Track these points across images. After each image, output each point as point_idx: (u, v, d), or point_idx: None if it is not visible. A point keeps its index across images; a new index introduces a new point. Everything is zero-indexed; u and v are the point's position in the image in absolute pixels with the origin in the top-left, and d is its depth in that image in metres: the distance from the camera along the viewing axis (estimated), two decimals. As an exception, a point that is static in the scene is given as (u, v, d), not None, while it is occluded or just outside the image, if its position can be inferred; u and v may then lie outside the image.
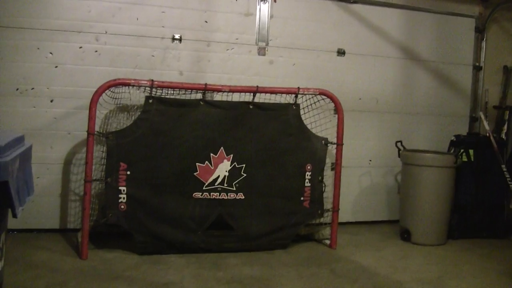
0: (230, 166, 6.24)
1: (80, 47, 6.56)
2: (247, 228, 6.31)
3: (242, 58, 7.18)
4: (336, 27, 7.63)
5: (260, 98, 6.44)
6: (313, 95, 6.62)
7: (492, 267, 6.25)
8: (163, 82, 6.06)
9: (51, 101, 6.50)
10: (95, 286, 5.01)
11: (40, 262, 5.59)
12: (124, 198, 5.88)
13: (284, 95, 6.54)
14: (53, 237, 6.43)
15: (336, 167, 6.69)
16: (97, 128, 6.00)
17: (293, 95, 6.49)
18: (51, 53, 6.46)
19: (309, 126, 6.68)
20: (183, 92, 6.22)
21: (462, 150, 7.39)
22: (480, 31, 8.50)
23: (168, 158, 6.04)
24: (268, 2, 7.20)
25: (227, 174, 6.23)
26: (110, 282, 5.13)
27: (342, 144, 6.64)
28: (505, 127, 8.21)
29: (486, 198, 7.53)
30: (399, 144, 7.45)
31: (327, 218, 6.77)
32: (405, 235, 7.15)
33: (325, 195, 6.69)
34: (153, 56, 6.81)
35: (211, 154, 6.16)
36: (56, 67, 6.50)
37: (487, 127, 7.62)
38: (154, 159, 5.99)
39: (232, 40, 7.11)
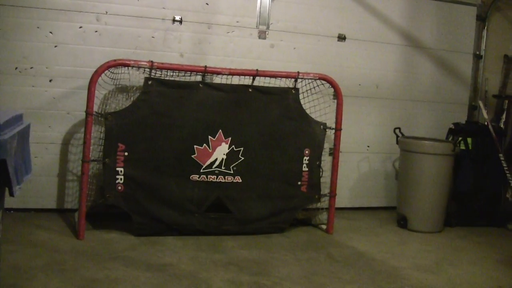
0: (228, 149, 6.24)
1: (81, 27, 6.53)
2: (245, 211, 6.32)
3: (243, 41, 7.15)
4: (338, 12, 7.60)
5: (260, 81, 6.42)
6: (313, 80, 6.60)
7: (489, 255, 6.28)
8: (163, 63, 6.04)
9: (50, 80, 6.48)
10: (93, 266, 5.01)
11: (38, 241, 5.60)
12: (121, 179, 5.88)
13: (284, 79, 6.53)
14: (50, 216, 6.44)
15: (335, 152, 6.69)
16: (96, 109, 5.99)
17: (293, 79, 6.47)
18: (51, 32, 6.43)
19: (308, 111, 6.67)
20: (183, 74, 6.21)
21: (460, 138, 7.40)
22: (482, 19, 8.47)
23: (166, 140, 6.03)
24: (270, -14, 7.20)
25: (225, 157, 6.23)
26: (108, 262, 5.13)
27: (340, 129, 6.64)
28: (504, 116, 8.21)
29: (484, 187, 7.55)
30: (397, 131, 7.45)
31: (324, 203, 6.78)
32: (402, 222, 7.17)
33: (322, 180, 6.70)
34: (153, 37, 6.78)
35: (210, 137, 6.16)
36: (56, 46, 6.47)
37: (486, 115, 7.62)
38: (152, 140, 5.99)
39: (233, 23, 7.09)
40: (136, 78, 6.24)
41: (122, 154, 5.87)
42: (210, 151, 6.18)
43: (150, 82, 5.96)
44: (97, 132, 6.19)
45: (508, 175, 7.32)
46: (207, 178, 6.17)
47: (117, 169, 5.86)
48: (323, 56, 7.55)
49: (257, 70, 6.26)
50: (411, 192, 7.11)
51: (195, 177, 6.12)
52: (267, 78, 6.47)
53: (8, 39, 6.28)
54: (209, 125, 6.18)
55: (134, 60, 5.94)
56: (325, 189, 6.73)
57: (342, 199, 7.62)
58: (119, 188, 5.87)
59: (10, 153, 3.16)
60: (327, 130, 6.64)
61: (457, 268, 5.77)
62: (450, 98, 8.40)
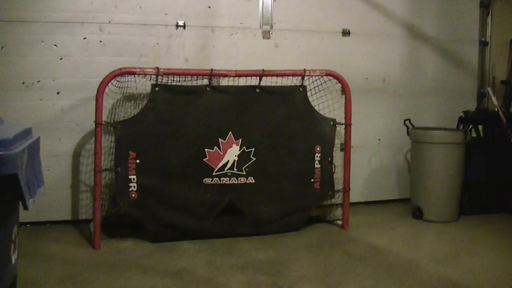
0: (239, 150, 6.24)
1: (84, 38, 6.54)
2: (259, 212, 6.32)
3: (247, 43, 7.15)
4: (341, 8, 7.58)
5: (267, 81, 6.41)
6: (320, 77, 6.59)
7: (506, 242, 6.25)
8: (169, 69, 6.04)
9: (58, 93, 6.50)
10: (109, 276, 5.02)
11: (53, 254, 5.62)
12: (134, 187, 5.88)
13: (290, 77, 6.52)
14: (65, 228, 6.46)
15: (346, 147, 6.67)
16: (104, 118, 5.99)
17: (300, 77, 6.46)
18: (55, 45, 6.45)
19: (316, 108, 6.66)
20: (189, 78, 6.21)
21: (471, 126, 7.37)
22: (485, 6, 8.43)
23: (176, 145, 6.03)
24: (271, -15, 7.19)
25: (236, 158, 6.23)
26: (124, 272, 5.14)
27: (350, 125, 6.63)
28: (514, 101, 8.18)
29: (497, 174, 7.52)
30: (407, 122, 7.42)
31: (338, 199, 6.77)
32: (417, 213, 7.14)
33: (335, 176, 6.69)
34: (157, 44, 6.78)
35: (220, 139, 6.15)
36: (61, 59, 6.49)
37: (495, 102, 7.59)
38: (162, 146, 5.99)
39: (236, 25, 7.08)
40: (143, 85, 6.26)
41: (134, 162, 5.87)
42: (221, 153, 6.17)
43: (157, 89, 5.96)
44: (107, 141, 6.21)
45: (521, 160, 7.30)
46: (220, 180, 6.16)
47: (130, 177, 5.87)
48: (328, 53, 7.53)
49: (263, 70, 6.25)
50: (425, 182, 7.08)
51: (207, 180, 6.12)
52: (274, 78, 6.46)
53: (13, 54, 6.31)
54: (219, 127, 6.18)
55: (140, 68, 5.95)
56: (338, 185, 6.72)
57: (356, 194, 7.61)
58: (132, 195, 5.88)
59: (21, 167, 3.17)
60: (336, 126, 6.62)
61: (474, 257, 5.74)
62: (458, 87, 8.36)
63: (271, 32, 7.23)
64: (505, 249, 6.02)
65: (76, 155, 6.63)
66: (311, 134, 6.50)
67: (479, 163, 7.42)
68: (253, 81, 6.34)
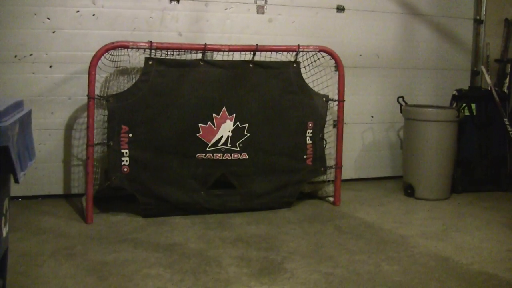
0: (233, 126, 6.23)
1: (77, 11, 6.49)
2: (250, 186, 6.33)
3: (241, 17, 7.11)
4: (335, -17, 7.56)
5: (261, 56, 6.39)
6: (314, 53, 6.58)
7: (496, 220, 6.28)
8: (162, 43, 6.01)
9: (50, 66, 6.46)
10: (101, 249, 5.04)
11: (46, 227, 5.62)
12: (126, 161, 5.88)
13: (284, 53, 6.50)
14: (57, 202, 6.46)
15: (338, 124, 6.68)
16: (97, 92, 5.98)
17: (294, 53, 6.45)
18: (48, 18, 6.40)
19: (310, 84, 6.65)
20: (183, 53, 6.18)
21: (464, 104, 7.36)
22: (480, -17, 8.41)
23: (169, 120, 6.02)
24: (266, -40, 7.14)
25: (230, 134, 6.22)
26: (116, 245, 5.16)
27: (343, 101, 6.62)
28: (507, 80, 8.17)
29: (489, 152, 7.54)
30: (400, 99, 7.41)
31: (330, 175, 6.79)
32: (409, 191, 7.17)
33: (327, 152, 6.70)
34: (151, 18, 6.74)
35: (214, 115, 6.14)
36: (54, 32, 6.44)
37: (488, 80, 7.58)
38: (155, 121, 5.98)
39: (230, -1, 7.05)
40: (136, 59, 6.22)
41: (126, 136, 5.86)
42: (215, 128, 6.16)
43: (150, 62, 5.93)
44: (100, 115, 6.17)
45: (513, 139, 7.32)
46: (213, 156, 6.15)
47: (122, 151, 5.86)
48: (322, 28, 7.49)
49: (257, 45, 6.22)
50: (417, 160, 7.10)
51: (201, 155, 6.11)
52: (268, 53, 6.43)
53: (5, 27, 6.25)
54: (212, 102, 6.16)
55: (133, 42, 5.92)
56: (330, 161, 6.73)
57: (348, 171, 7.62)
58: (125, 169, 5.88)
59: (12, 139, 3.16)
60: (329, 102, 6.62)
61: (465, 234, 5.77)
62: (451, 65, 8.35)
63: (265, 7, 7.19)
64: (495, 226, 6.05)
65: (69, 129, 6.61)
66: (304, 110, 6.49)
67: (472, 141, 7.44)
68: (247, 56, 6.32)
